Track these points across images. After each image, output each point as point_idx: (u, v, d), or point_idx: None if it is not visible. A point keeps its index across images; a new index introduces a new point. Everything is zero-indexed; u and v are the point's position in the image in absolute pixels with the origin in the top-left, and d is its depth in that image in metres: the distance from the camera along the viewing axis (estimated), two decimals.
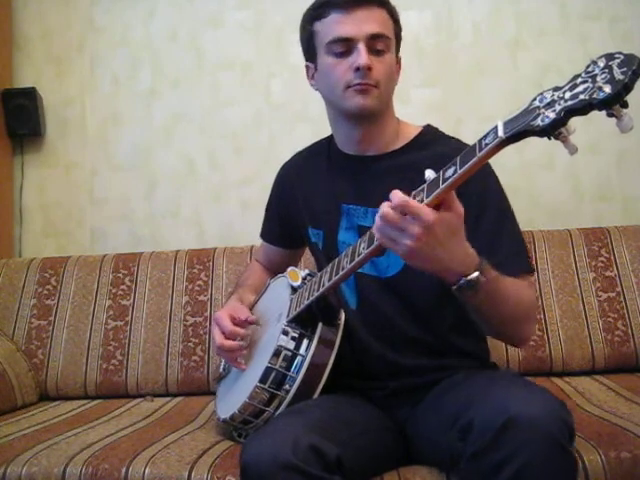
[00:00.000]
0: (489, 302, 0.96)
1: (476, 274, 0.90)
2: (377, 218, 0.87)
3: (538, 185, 2.00)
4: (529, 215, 1.98)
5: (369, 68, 1.09)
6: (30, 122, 2.12)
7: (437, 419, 1.03)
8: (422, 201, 0.84)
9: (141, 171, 2.16)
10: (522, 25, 2.03)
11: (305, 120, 2.06)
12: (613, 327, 1.61)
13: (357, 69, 1.10)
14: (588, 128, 1.83)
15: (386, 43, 1.13)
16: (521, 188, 2.00)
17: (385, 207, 0.85)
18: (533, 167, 1.99)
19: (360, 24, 1.10)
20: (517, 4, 2.04)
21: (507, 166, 1.96)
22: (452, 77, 2.05)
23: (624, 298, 1.63)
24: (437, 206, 0.85)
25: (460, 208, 0.87)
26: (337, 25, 1.12)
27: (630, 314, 1.62)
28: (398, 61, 1.21)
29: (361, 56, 1.09)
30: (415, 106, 2.01)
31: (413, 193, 0.87)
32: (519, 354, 1.61)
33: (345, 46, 1.11)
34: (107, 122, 2.18)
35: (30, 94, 2.12)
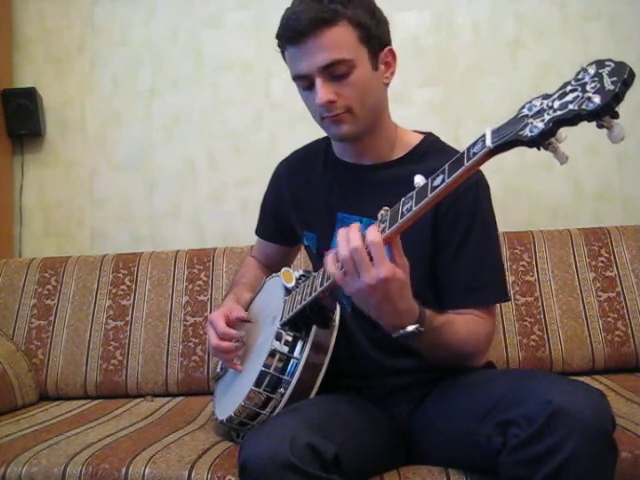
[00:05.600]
0: (430, 347, 1.02)
1: (412, 327, 0.93)
2: (342, 245, 0.87)
3: (538, 185, 2.00)
4: (529, 215, 1.99)
5: (331, 102, 1.05)
6: (30, 122, 2.13)
7: (455, 417, 1.03)
8: (383, 231, 0.85)
9: (141, 171, 2.16)
10: (522, 25, 2.04)
11: (305, 120, 1.99)
12: (613, 327, 1.61)
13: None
14: (587, 129, 1.81)
15: (347, 65, 1.04)
16: (521, 188, 2.00)
17: (355, 241, 0.85)
18: (533, 167, 1.99)
19: (311, 57, 1.03)
20: (517, 4, 2.04)
21: (507, 166, 1.96)
22: (452, 77, 2.05)
23: (624, 298, 1.64)
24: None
25: (405, 261, 0.89)
26: (293, 62, 1.07)
27: (630, 314, 1.62)
28: (383, 60, 1.10)
29: (317, 94, 1.04)
30: (415, 106, 2.02)
31: (377, 220, 0.88)
32: (519, 354, 1.61)
33: (306, 81, 1.07)
34: (107, 122, 2.19)
35: (30, 94, 2.12)
